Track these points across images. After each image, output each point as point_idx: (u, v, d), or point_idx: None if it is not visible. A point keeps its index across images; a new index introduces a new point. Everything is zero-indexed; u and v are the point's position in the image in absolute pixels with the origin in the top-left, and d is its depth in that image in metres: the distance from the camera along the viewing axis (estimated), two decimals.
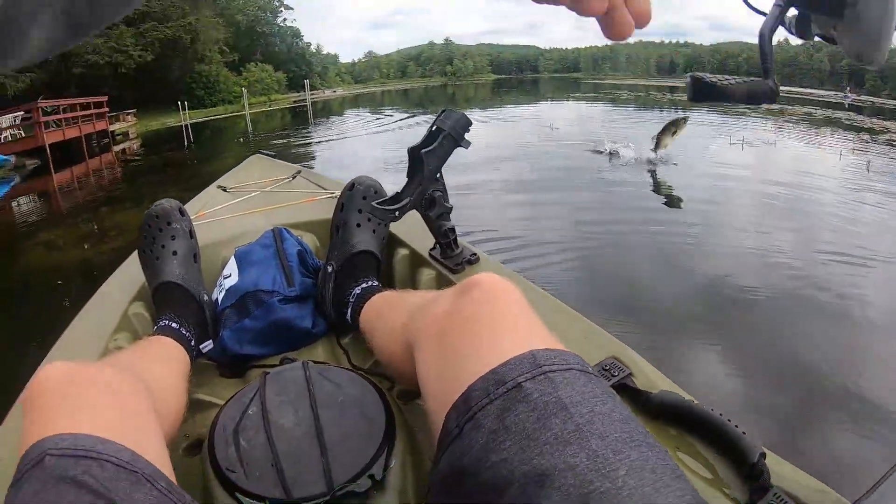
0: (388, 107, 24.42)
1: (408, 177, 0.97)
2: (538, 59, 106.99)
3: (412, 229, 1.15)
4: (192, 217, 1.05)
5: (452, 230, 1.01)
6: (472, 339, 0.48)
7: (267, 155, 2.11)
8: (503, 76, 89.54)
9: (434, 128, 0.94)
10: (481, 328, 0.49)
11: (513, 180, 6.45)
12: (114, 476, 0.42)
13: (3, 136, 12.85)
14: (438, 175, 0.97)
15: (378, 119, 16.74)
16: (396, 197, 0.95)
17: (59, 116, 14.00)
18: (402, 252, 1.14)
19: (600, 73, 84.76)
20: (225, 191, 1.67)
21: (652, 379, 0.68)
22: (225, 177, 1.86)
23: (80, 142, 14.62)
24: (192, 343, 0.91)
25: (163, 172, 9.22)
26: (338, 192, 1.45)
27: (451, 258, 1.03)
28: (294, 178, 1.73)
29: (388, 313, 0.79)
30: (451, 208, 1.00)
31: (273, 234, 1.10)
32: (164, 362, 0.78)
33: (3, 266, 4.70)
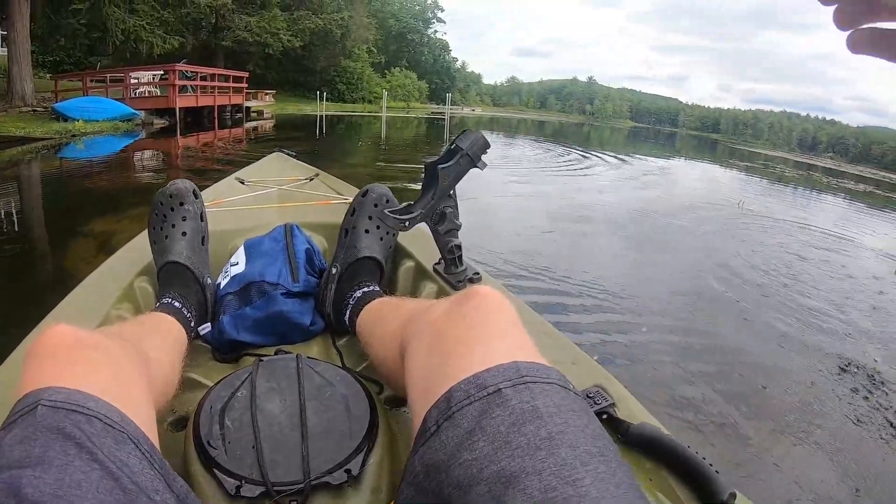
0: (521, 136, 21.52)
1: (422, 190, 0.99)
2: (678, 114, 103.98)
3: (420, 242, 1.17)
4: (206, 204, 1.07)
5: (459, 247, 1.02)
6: (461, 345, 0.50)
7: (287, 154, 2.17)
8: (641, 125, 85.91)
9: (453, 146, 0.96)
10: (471, 335, 0.51)
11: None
12: (101, 433, 0.44)
13: (137, 92, 12.94)
14: (452, 192, 0.99)
15: (510, 146, 14.85)
16: (408, 208, 0.98)
17: (195, 82, 13.91)
18: (407, 263, 1.15)
19: (740, 139, 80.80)
20: (242, 183, 1.70)
21: (634, 411, 0.69)
22: (244, 170, 1.90)
23: (213, 111, 14.62)
24: (192, 324, 0.92)
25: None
26: (352, 199, 1.49)
27: (454, 274, 1.04)
28: (311, 179, 1.76)
29: (385, 317, 0.81)
30: (460, 226, 1.02)
31: (285, 229, 1.13)
32: (164, 338, 0.80)
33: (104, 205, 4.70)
